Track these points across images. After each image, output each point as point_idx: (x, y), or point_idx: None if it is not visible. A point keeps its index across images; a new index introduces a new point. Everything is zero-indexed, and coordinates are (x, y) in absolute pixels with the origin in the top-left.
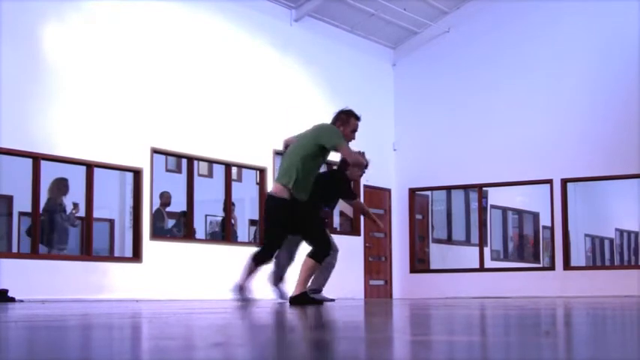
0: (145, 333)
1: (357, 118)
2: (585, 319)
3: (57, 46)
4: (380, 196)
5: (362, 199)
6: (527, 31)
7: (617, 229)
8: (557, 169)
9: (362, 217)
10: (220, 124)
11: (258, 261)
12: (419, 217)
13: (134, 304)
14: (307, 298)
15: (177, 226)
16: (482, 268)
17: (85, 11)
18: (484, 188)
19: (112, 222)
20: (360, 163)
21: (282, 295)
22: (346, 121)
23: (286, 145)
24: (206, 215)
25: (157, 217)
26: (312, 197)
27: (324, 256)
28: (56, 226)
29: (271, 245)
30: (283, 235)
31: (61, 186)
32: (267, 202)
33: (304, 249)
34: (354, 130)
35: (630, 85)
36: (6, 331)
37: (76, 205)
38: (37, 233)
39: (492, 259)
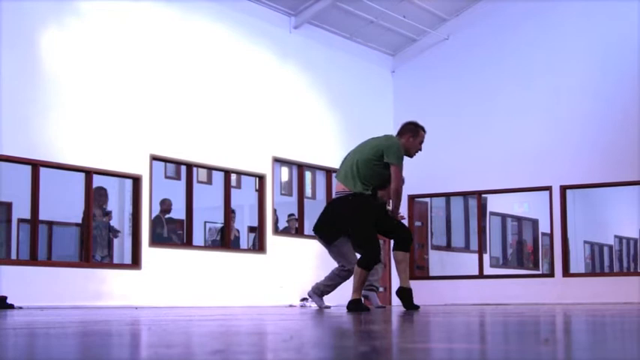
0: (144, 340)
1: (425, 131)
2: (585, 327)
3: (56, 52)
4: None
5: None
6: (526, 39)
7: (616, 236)
8: (556, 175)
9: None
10: (219, 130)
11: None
12: (418, 223)
13: (133, 311)
14: (359, 305)
15: (175, 233)
16: (481, 275)
17: (84, 18)
18: (483, 195)
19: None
20: (399, 193)
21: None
22: (416, 132)
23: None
24: (205, 222)
25: (157, 224)
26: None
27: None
28: (97, 235)
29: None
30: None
31: (97, 195)
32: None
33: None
34: (422, 142)
35: (629, 92)
36: (5, 338)
37: (108, 213)
38: (37, 240)
39: (491, 265)
